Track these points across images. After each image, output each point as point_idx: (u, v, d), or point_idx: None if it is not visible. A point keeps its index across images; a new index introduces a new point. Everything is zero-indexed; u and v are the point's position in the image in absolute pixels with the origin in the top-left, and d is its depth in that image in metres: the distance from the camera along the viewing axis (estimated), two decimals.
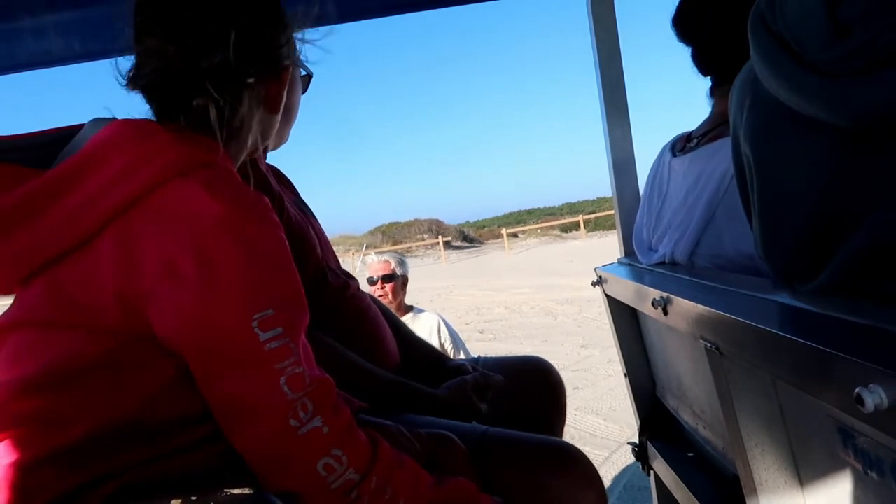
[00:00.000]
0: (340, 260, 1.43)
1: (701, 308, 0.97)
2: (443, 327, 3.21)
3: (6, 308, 0.87)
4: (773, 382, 0.88)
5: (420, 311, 3.34)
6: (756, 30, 0.85)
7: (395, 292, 3.18)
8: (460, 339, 3.30)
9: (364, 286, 3.01)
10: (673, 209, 1.47)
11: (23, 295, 0.85)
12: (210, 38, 0.87)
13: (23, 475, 0.79)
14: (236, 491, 0.72)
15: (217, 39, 0.87)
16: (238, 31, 0.88)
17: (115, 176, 0.79)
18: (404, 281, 3.24)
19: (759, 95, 0.88)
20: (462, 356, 3.14)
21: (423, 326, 3.18)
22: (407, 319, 3.18)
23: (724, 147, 1.33)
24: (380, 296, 3.12)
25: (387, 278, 3.15)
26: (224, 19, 0.88)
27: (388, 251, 3.91)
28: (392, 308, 3.07)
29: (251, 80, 0.91)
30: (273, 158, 1.40)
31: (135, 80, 0.90)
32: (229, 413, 0.81)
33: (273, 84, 0.97)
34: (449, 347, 3.20)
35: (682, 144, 1.55)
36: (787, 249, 0.89)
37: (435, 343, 3.11)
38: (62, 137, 0.89)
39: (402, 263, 3.25)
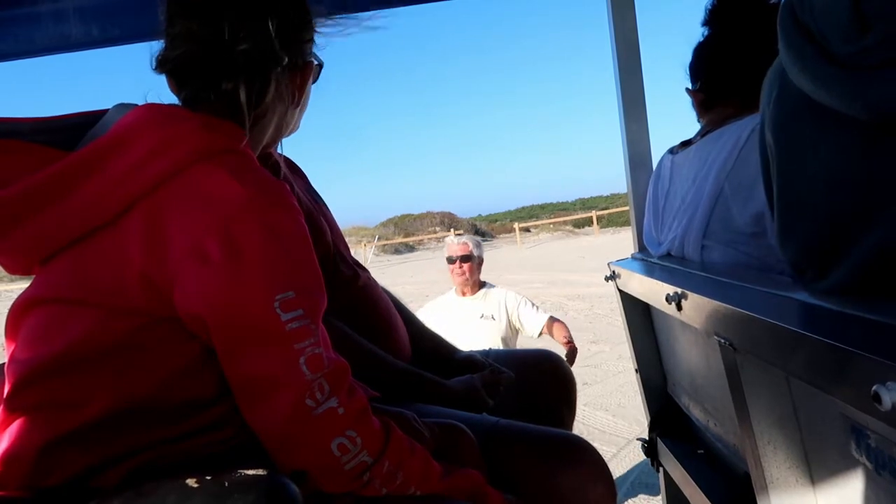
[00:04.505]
0: (352, 251, 1.44)
1: (716, 304, 0.96)
2: (510, 300, 3.51)
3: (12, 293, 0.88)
4: (786, 380, 0.88)
5: (491, 286, 3.64)
6: (784, 19, 0.85)
7: (471, 271, 3.52)
8: (528, 309, 3.51)
9: (441, 264, 3.24)
10: (681, 195, 1.48)
11: (43, 273, 0.86)
12: (245, 25, 0.89)
13: (39, 453, 0.80)
14: (250, 472, 0.72)
15: (252, 26, 0.89)
16: (272, 19, 0.90)
17: (140, 158, 0.81)
18: (480, 261, 3.61)
19: (784, 86, 0.88)
20: (532, 324, 3.43)
21: (493, 301, 3.51)
22: (479, 294, 3.55)
23: (729, 130, 1.34)
24: (458, 274, 3.52)
25: (465, 258, 3.52)
26: (258, 8, 0.90)
27: (467, 235, 4.24)
28: (468, 284, 3.51)
29: (280, 70, 0.93)
30: (288, 150, 1.41)
31: (164, 63, 0.91)
32: (249, 391, 0.82)
33: (296, 77, 0.98)
34: (515, 317, 3.46)
35: (681, 147, 1.56)
36: (803, 243, 0.89)
37: (504, 317, 3.43)
38: (87, 120, 0.91)
39: (478, 245, 3.62)
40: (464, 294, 3.56)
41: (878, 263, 0.77)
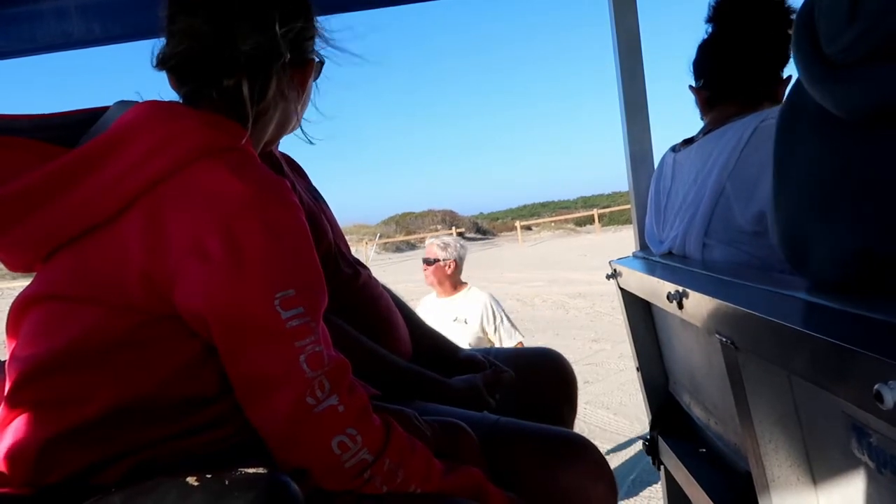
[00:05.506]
0: (353, 249, 1.44)
1: (717, 302, 0.96)
2: (489, 311, 3.47)
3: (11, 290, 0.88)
4: (788, 378, 0.88)
5: (472, 290, 3.61)
6: (800, 16, 0.87)
7: (436, 273, 3.51)
8: (506, 327, 3.48)
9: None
10: (683, 193, 1.48)
11: (45, 270, 0.86)
12: (247, 21, 0.89)
13: (40, 451, 0.80)
14: (250, 470, 0.72)
15: (254, 22, 0.89)
16: (274, 15, 0.90)
17: (142, 155, 0.80)
18: (452, 264, 3.52)
19: (796, 81, 0.90)
20: (506, 336, 3.38)
21: (470, 305, 3.47)
22: (456, 297, 3.52)
23: (731, 129, 1.34)
24: (425, 275, 3.53)
25: (429, 261, 3.54)
26: (260, 4, 0.90)
27: (447, 235, 4.22)
28: (436, 285, 3.50)
29: (281, 67, 0.92)
30: (290, 149, 1.41)
31: (165, 60, 0.91)
32: (249, 388, 0.82)
33: (298, 75, 0.98)
34: (491, 330, 3.43)
35: (683, 145, 1.56)
36: (793, 238, 0.90)
37: (478, 323, 3.40)
38: (89, 118, 0.91)
39: (446, 248, 3.56)
40: (440, 295, 3.54)
41: (856, 259, 0.78)
